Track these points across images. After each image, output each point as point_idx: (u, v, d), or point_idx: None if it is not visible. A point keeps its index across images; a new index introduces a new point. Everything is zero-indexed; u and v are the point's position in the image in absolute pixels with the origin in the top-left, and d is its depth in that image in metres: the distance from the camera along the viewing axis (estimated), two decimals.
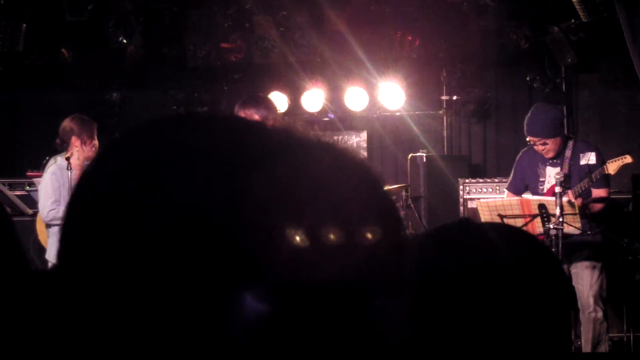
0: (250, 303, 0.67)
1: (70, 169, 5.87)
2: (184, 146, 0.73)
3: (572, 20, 7.77)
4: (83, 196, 0.74)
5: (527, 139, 6.03)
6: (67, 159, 5.91)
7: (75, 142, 5.99)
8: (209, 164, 0.71)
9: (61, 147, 6.08)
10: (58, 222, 5.72)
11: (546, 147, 5.92)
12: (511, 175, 6.30)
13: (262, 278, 0.67)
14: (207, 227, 0.69)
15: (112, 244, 0.70)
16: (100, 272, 0.70)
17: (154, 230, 0.69)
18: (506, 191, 6.38)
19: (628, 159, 5.74)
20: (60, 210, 5.81)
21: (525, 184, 6.19)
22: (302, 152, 0.72)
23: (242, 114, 5.79)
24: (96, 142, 6.11)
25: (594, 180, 5.79)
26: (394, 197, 7.37)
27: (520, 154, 6.28)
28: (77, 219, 0.73)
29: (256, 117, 5.72)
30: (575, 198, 5.72)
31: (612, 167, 5.77)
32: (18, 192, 7.47)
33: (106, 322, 0.70)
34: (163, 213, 0.70)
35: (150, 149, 0.74)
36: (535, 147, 5.99)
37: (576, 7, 7.13)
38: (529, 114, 6.07)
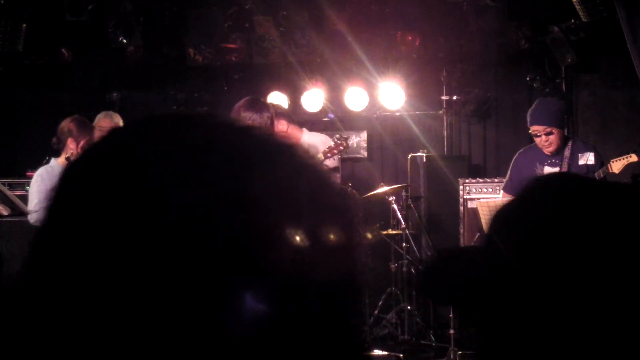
0: (250, 303, 0.67)
1: None
2: (184, 145, 0.73)
3: (572, 20, 7.78)
4: (77, 194, 0.73)
5: (531, 131, 5.95)
6: (68, 159, 5.90)
7: (70, 143, 5.96)
8: (210, 162, 0.71)
9: (57, 147, 6.07)
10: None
11: (550, 137, 5.84)
12: (507, 176, 6.28)
13: (263, 279, 0.67)
14: (208, 227, 0.68)
15: (113, 244, 0.70)
16: (102, 273, 0.70)
17: (154, 230, 0.69)
18: (502, 192, 6.36)
19: (634, 158, 5.69)
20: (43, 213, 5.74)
21: (522, 185, 6.16)
22: (296, 156, 0.73)
23: (242, 115, 5.77)
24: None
25: (597, 179, 5.76)
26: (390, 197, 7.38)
27: (516, 155, 6.24)
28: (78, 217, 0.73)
29: (257, 121, 5.73)
30: None
31: (616, 166, 5.73)
32: (18, 192, 7.47)
33: (109, 321, 0.70)
34: (164, 212, 0.69)
35: (150, 147, 0.74)
36: (537, 139, 5.91)
37: (576, 7, 7.13)
38: (532, 106, 6.02)
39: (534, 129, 5.89)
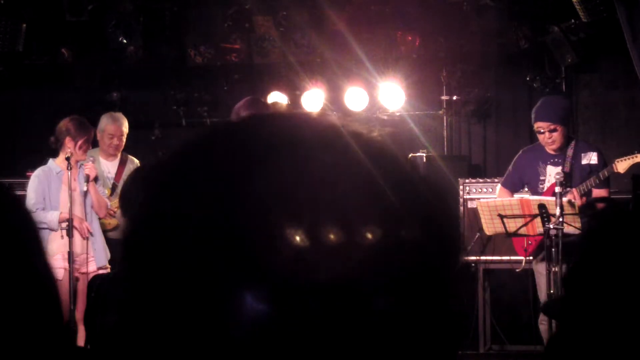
0: (250, 304, 0.67)
1: (70, 168, 5.87)
2: (185, 145, 0.74)
3: (572, 20, 7.78)
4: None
5: (535, 127, 5.96)
6: (67, 158, 5.91)
7: (68, 143, 5.97)
8: (209, 161, 0.71)
9: (55, 146, 6.07)
10: (39, 225, 5.66)
11: (554, 135, 5.85)
12: (508, 172, 6.27)
13: (263, 279, 0.67)
14: (207, 229, 0.68)
15: (126, 246, 0.71)
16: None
17: (154, 230, 0.70)
18: (500, 186, 6.33)
19: (639, 158, 5.71)
20: (40, 214, 5.76)
21: (523, 182, 6.17)
22: (304, 149, 0.72)
23: (242, 115, 5.76)
24: (90, 146, 6.12)
25: (602, 178, 5.76)
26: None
27: (519, 153, 6.25)
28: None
29: None
30: (581, 197, 5.71)
31: (621, 166, 5.73)
32: (18, 192, 7.46)
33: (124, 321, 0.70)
34: (163, 212, 0.70)
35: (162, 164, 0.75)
36: (541, 136, 5.92)
37: (576, 7, 7.14)
38: (538, 103, 6.04)
39: (538, 125, 5.90)
